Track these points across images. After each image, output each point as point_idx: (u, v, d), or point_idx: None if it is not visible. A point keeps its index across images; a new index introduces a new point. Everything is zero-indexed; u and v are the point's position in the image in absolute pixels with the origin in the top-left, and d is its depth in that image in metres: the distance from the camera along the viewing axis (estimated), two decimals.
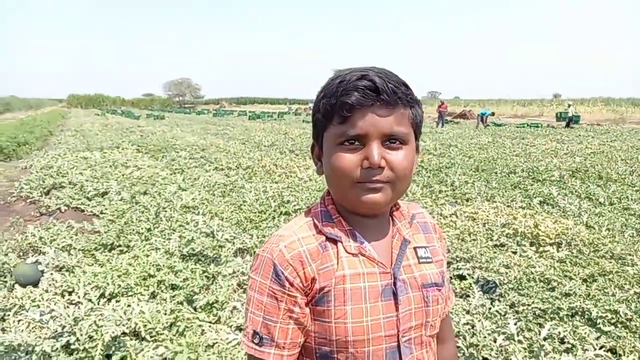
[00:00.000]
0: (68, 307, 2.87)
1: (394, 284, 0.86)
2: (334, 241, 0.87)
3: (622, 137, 17.84)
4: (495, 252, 4.13)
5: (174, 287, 3.37)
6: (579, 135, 18.94)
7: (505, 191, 6.92)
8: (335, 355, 0.85)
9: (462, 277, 3.64)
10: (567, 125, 25.54)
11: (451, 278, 3.56)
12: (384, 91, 0.79)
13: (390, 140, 0.82)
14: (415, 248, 0.93)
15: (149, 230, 4.71)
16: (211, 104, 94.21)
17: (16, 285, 3.44)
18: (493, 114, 27.02)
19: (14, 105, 48.83)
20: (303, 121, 30.84)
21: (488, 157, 11.01)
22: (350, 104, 0.79)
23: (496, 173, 8.61)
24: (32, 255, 4.00)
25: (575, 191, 6.89)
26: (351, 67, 0.85)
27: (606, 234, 4.66)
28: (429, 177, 8.20)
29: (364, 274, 0.85)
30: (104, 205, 5.90)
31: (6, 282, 3.55)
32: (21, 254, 4.18)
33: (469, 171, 8.86)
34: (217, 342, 2.68)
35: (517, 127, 25.85)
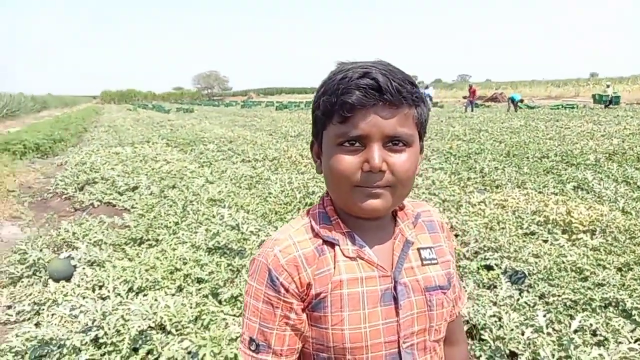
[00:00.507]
0: (97, 301, 2.96)
1: (395, 288, 0.83)
2: (332, 245, 0.84)
3: None
4: (524, 241, 4.02)
5: (199, 281, 3.42)
6: (617, 115, 18.16)
7: (537, 177, 6.71)
8: None
9: (489, 268, 3.55)
10: (607, 107, 24.09)
11: (478, 269, 3.49)
12: (387, 90, 0.75)
13: (393, 142, 0.78)
14: (419, 249, 0.89)
15: (176, 224, 4.79)
16: (239, 96, 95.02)
17: (50, 280, 3.56)
18: (522, 100, 25.86)
19: (50, 103, 50.46)
20: None
21: (520, 141, 10.69)
22: (351, 103, 0.75)
23: (528, 158, 8.35)
24: (66, 251, 4.14)
25: (612, 175, 6.61)
26: (355, 61, 0.81)
27: None
28: (457, 164, 8.03)
29: (363, 279, 0.82)
30: (134, 200, 6.04)
31: (41, 277, 3.69)
32: (55, 249, 4.33)
33: (500, 157, 8.63)
34: (239, 336, 2.71)
35: (552, 108, 25.00)
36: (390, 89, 0.75)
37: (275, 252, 0.83)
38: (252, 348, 0.84)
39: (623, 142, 10.06)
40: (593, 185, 5.98)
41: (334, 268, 0.82)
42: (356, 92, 0.75)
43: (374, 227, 0.87)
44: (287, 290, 0.81)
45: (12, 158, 10.77)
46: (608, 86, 26.26)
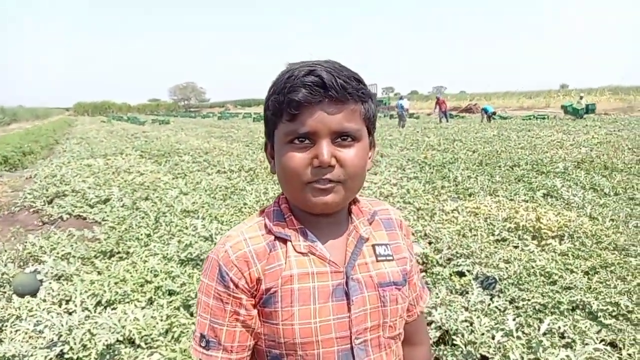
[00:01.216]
0: (63, 316, 2.87)
1: (347, 283, 0.83)
2: (284, 241, 0.85)
3: (630, 125, 17.61)
4: (496, 247, 4.08)
5: (171, 293, 3.36)
6: (586, 125, 18.73)
7: (509, 185, 6.85)
8: (285, 358, 0.82)
9: (461, 274, 3.59)
10: (582, 117, 23.99)
11: (450, 275, 3.52)
12: (332, 87, 0.77)
13: (342, 137, 0.79)
14: (374, 246, 0.89)
15: (148, 236, 4.71)
16: (216, 107, 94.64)
17: (14, 296, 3.44)
18: (494, 112, 26.22)
19: (20, 116, 49.23)
20: None
21: (492, 150, 10.91)
22: (298, 100, 0.77)
23: (500, 167, 8.52)
24: (32, 265, 4.01)
25: (580, 182, 6.79)
26: (303, 61, 0.82)
27: (610, 225, 4.58)
28: (432, 173, 8.13)
29: (314, 274, 0.82)
30: (105, 212, 5.92)
31: (5, 292, 3.57)
32: (21, 263, 4.19)
33: (473, 165, 8.78)
34: None
35: (523, 119, 25.63)
36: (335, 86, 0.77)
37: (227, 248, 0.83)
38: (203, 344, 0.83)
39: (591, 150, 10.37)
40: (562, 192, 6.13)
41: (285, 263, 0.82)
42: (302, 90, 0.77)
43: (328, 224, 0.87)
44: (236, 286, 0.81)
45: None
46: (581, 97, 26.55)
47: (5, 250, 4.38)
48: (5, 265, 3.94)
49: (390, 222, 0.96)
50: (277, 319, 0.81)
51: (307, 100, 0.77)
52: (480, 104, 34.66)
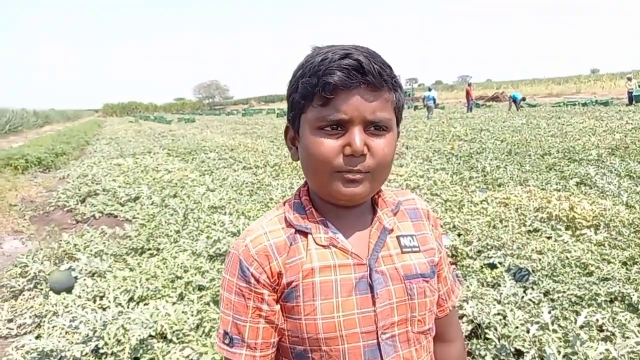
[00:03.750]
0: (97, 312, 2.94)
1: (370, 276, 0.80)
2: (305, 234, 0.82)
3: None
4: (528, 239, 3.97)
5: (200, 288, 3.39)
6: (619, 110, 18.10)
7: (540, 174, 6.67)
8: (310, 355, 0.80)
9: (492, 266, 3.51)
10: (630, 103, 20.87)
11: (481, 267, 3.45)
12: (369, 72, 0.74)
13: (375, 126, 0.77)
14: (398, 237, 0.86)
15: (177, 232, 4.78)
16: (240, 104, 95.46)
17: (51, 293, 3.55)
18: (524, 99, 25.07)
19: (52, 118, 50.74)
20: None
21: (521, 139, 10.66)
22: (334, 84, 0.73)
23: (530, 156, 8.31)
24: (67, 262, 4.12)
25: (615, 170, 6.56)
26: (331, 45, 0.79)
27: None
28: (459, 164, 8.00)
29: (336, 266, 0.80)
30: (135, 210, 6.04)
31: (42, 289, 3.68)
32: (56, 261, 4.31)
33: (501, 155, 8.60)
34: None
35: (553, 106, 24.95)
36: (373, 71, 0.74)
37: (247, 242, 0.81)
38: (226, 342, 0.82)
39: (625, 136, 10.01)
40: (596, 180, 5.94)
41: (306, 256, 0.80)
42: (338, 73, 0.73)
43: (350, 216, 0.85)
44: (257, 281, 0.79)
45: (14, 173, 10.81)
46: (630, 79, 22.52)
47: (41, 249, 4.52)
48: (42, 263, 4.06)
49: (416, 212, 0.92)
50: (299, 314, 0.79)
51: (344, 84, 0.73)
52: (508, 92, 33.94)
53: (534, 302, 2.93)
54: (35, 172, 11.38)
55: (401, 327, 0.82)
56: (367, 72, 0.73)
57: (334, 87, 0.73)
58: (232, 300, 0.81)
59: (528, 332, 2.56)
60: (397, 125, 0.83)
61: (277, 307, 0.81)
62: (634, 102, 21.04)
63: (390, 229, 0.86)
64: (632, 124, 12.58)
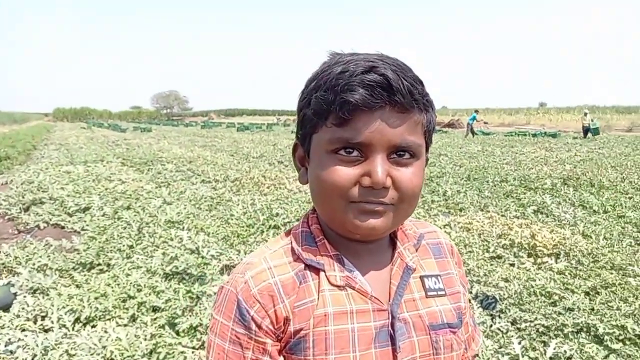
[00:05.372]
0: (38, 334, 2.65)
1: (392, 325, 0.68)
2: (316, 270, 0.69)
3: (610, 144, 17.97)
4: (492, 265, 3.98)
5: (155, 310, 3.16)
6: (567, 142, 19.05)
7: (499, 200, 6.81)
8: None
9: None
10: (585, 135, 21.72)
11: None
12: (398, 90, 0.62)
13: (399, 153, 0.65)
14: (422, 277, 0.74)
15: (130, 247, 4.49)
16: (199, 116, 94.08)
17: None
18: (477, 111, 25.63)
19: None
20: (292, 132, 30.72)
21: (479, 165, 10.94)
22: (355, 103, 0.61)
23: (488, 182, 8.50)
24: (5, 277, 3.77)
25: (569, 199, 6.80)
26: (353, 52, 0.67)
27: (604, 244, 4.54)
28: None
29: (353, 312, 0.67)
30: (85, 222, 5.66)
31: None
32: None
33: (461, 180, 8.75)
34: None
35: (505, 135, 25.96)
36: (402, 89, 0.62)
37: (247, 278, 0.68)
38: None
39: (575, 167, 10.46)
40: (552, 209, 6.11)
41: (318, 299, 0.67)
42: (360, 90, 0.61)
43: (368, 251, 0.72)
44: (259, 327, 0.66)
45: None
46: (586, 114, 23.24)
47: None
48: None
49: (439, 248, 0.81)
50: None
51: (366, 104, 0.61)
52: (463, 120, 35.10)
53: (502, 332, 2.90)
54: None
55: None
56: (395, 90, 0.62)
57: (353, 106, 0.62)
58: (225, 349, 0.67)
59: None
60: (427, 150, 0.71)
61: (281, 359, 0.68)
62: (589, 135, 21.73)
63: (414, 268, 0.74)
64: (580, 155, 13.22)
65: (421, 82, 0.66)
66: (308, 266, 0.70)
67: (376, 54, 0.66)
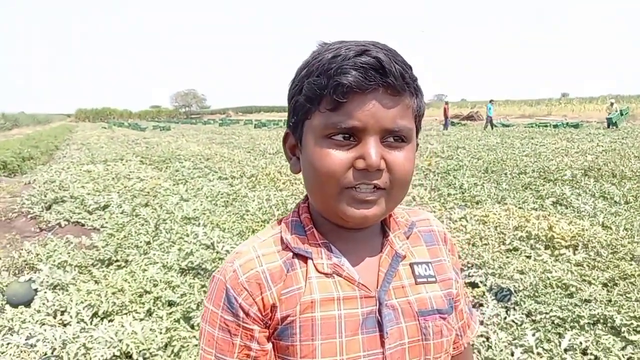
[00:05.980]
0: (57, 328, 2.73)
1: (379, 311, 0.68)
2: (304, 259, 0.70)
3: (634, 134, 17.49)
4: (508, 257, 3.93)
5: (170, 304, 3.21)
6: (589, 133, 18.63)
7: (517, 192, 6.71)
8: None
9: (474, 285, 3.44)
10: (609, 126, 21.01)
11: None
12: (390, 72, 0.62)
13: (393, 137, 0.65)
14: (412, 265, 0.74)
15: (148, 243, 4.57)
16: (217, 114, 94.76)
17: (7, 306, 3.30)
18: (492, 101, 25.07)
19: (22, 122, 49.21)
20: None
21: (497, 158, 10.78)
22: (348, 85, 0.62)
23: (506, 174, 8.38)
24: (27, 274, 3.87)
25: (589, 190, 6.66)
26: (343, 40, 0.67)
27: (624, 235, 4.44)
28: (437, 180, 8.00)
29: (340, 299, 0.68)
30: (104, 219, 5.78)
31: None
32: (16, 272, 4.05)
33: (478, 173, 8.65)
34: None
35: (526, 127, 25.52)
36: (394, 72, 0.63)
37: (235, 267, 0.69)
38: None
39: (597, 158, 10.23)
40: (571, 200, 5.99)
41: (305, 286, 0.68)
42: (353, 72, 0.62)
43: (357, 239, 0.73)
44: (247, 314, 0.67)
45: None
46: (612, 104, 22.63)
47: (0, 258, 4.25)
48: None
49: (431, 235, 0.81)
50: (295, 355, 0.67)
51: (360, 86, 0.62)
52: (482, 112, 34.63)
53: (516, 324, 2.87)
54: None
55: None
56: (387, 72, 0.62)
57: (347, 89, 0.62)
58: (214, 335, 0.68)
59: (512, 354, 2.49)
60: (416, 135, 0.72)
61: (269, 346, 0.69)
62: (611, 126, 21.14)
63: (403, 255, 0.74)
64: (602, 146, 12.91)
65: (410, 67, 0.67)
66: (296, 255, 0.71)
67: (367, 40, 0.67)
